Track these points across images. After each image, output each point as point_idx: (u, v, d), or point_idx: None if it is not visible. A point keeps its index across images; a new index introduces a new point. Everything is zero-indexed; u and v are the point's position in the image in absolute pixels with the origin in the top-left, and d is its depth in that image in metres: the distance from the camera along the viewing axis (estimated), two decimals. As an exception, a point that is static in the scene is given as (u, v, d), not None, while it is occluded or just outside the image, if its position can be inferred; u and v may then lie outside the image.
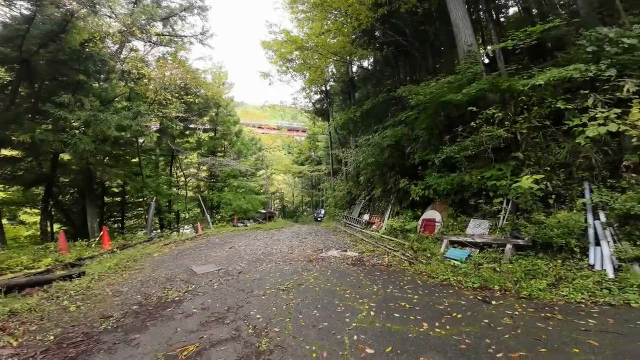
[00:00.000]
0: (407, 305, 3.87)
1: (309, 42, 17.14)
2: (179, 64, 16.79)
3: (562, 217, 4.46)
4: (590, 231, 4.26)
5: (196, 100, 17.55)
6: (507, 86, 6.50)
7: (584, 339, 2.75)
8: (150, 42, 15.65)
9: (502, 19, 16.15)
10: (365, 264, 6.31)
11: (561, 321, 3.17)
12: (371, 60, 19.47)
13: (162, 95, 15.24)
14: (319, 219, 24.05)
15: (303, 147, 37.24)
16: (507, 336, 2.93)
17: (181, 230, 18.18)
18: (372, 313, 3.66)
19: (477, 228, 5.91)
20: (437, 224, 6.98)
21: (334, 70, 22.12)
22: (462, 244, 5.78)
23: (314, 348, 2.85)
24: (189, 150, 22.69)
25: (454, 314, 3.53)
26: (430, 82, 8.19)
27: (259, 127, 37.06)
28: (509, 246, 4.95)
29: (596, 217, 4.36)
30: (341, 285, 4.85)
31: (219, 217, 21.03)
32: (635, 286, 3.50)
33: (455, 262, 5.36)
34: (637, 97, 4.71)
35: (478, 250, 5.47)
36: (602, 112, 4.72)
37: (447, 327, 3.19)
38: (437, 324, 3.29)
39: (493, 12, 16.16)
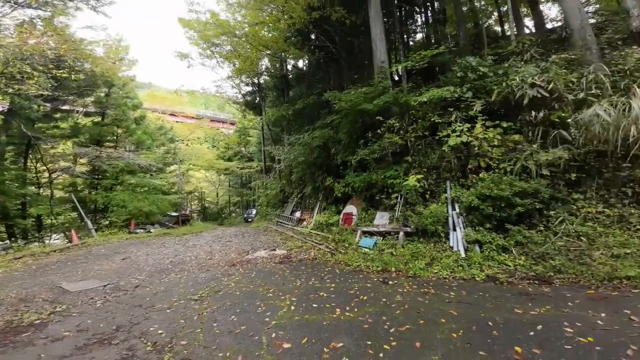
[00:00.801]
0: (325, 295, 4.02)
1: (239, 29, 15.77)
2: (54, 31, 12.51)
3: (433, 208, 5.52)
4: (450, 220, 5.37)
5: (75, 76, 13.00)
6: (404, 101, 7.49)
7: (447, 310, 3.27)
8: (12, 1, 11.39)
9: (411, 43, 18.64)
10: (293, 260, 6.45)
11: (434, 295, 3.77)
12: (306, 61, 19.34)
13: (15, 68, 11.16)
14: (249, 219, 22.21)
15: (231, 141, 32.28)
16: (398, 312, 3.32)
17: (48, 241, 14.30)
18: (292, 308, 3.69)
19: (382, 219, 6.81)
20: (354, 217, 7.70)
21: (269, 65, 20.87)
22: (371, 234, 6.56)
23: (228, 354, 2.72)
24: (59, 138, 17.25)
25: (361, 297, 3.86)
26: (350, 90, 8.79)
27: (172, 115, 30.06)
28: (401, 233, 5.87)
29: (453, 208, 5.52)
30: (265, 285, 4.76)
31: (108, 222, 16.66)
32: (477, 263, 4.38)
33: (366, 250, 5.98)
34: (481, 115, 6.04)
35: (382, 238, 6.29)
36: (460, 126, 6.06)
37: (355, 310, 3.47)
38: (347, 308, 3.53)
39: (404, 36, 18.50)
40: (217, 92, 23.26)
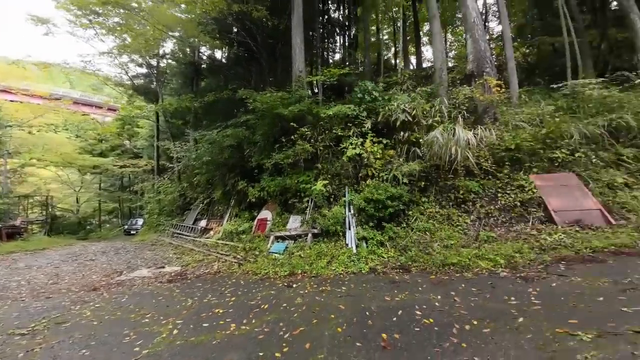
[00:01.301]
0: (221, 311, 3.70)
1: (137, 1, 12.64)
2: None
3: (334, 211, 6.06)
4: (346, 220, 5.99)
5: None
6: (316, 112, 7.91)
7: (338, 305, 3.45)
8: None
9: (331, 61, 19.99)
10: (189, 277, 5.70)
11: (329, 292, 3.94)
12: (225, 54, 17.45)
13: None
14: (132, 231, 18.33)
15: (107, 131, 24.57)
16: (295, 315, 3.30)
17: None
18: (175, 332, 3.22)
19: (294, 223, 6.95)
20: (268, 222, 7.53)
21: (175, 48, 17.71)
22: (283, 238, 6.58)
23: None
24: None
25: (263, 306, 3.70)
26: (266, 92, 8.48)
27: (4, 91, 20.91)
28: (309, 235, 6.14)
29: (349, 210, 6.19)
30: (140, 310, 4.01)
31: None
32: (363, 257, 4.93)
33: (276, 255, 5.86)
34: (371, 132, 7.03)
35: (293, 242, 6.37)
36: (355, 140, 6.89)
37: (253, 322, 3.28)
38: (244, 321, 3.31)
39: (324, 53, 19.69)
40: (86, 68, 17.27)
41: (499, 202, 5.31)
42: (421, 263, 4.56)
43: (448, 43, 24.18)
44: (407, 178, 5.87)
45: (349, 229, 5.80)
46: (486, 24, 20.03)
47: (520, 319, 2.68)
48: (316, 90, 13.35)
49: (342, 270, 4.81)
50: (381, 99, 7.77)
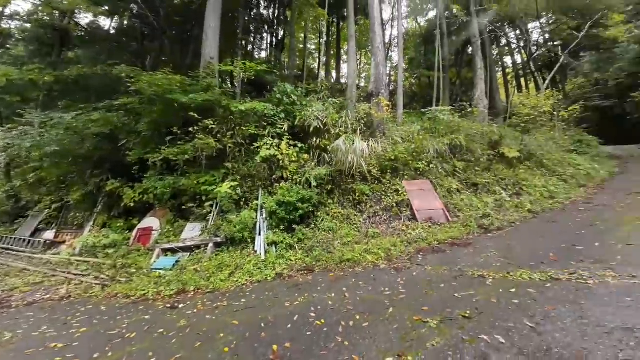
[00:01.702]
0: (60, 345, 2.79)
1: None
2: None
3: (243, 215, 5.48)
4: (257, 224, 5.57)
5: None
6: (226, 104, 6.95)
7: (231, 321, 3.08)
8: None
9: (257, 56, 18.57)
10: (13, 305, 4.10)
11: (225, 307, 3.52)
12: (116, 24, 13.43)
13: None
14: None
15: None
16: (174, 341, 2.81)
17: None
18: None
19: (192, 231, 5.86)
20: (154, 232, 6.01)
21: (30, 8, 12.27)
22: (174, 251, 5.44)
23: None
24: None
25: (128, 335, 2.99)
26: (158, 73, 6.78)
27: None
28: (210, 245, 5.30)
29: (261, 214, 5.80)
30: None
31: None
32: (272, 263, 4.61)
33: (162, 272, 4.77)
34: (287, 134, 6.84)
35: (189, 254, 5.36)
36: (271, 141, 6.52)
37: (110, 354, 2.63)
38: (97, 355, 2.59)
39: (249, 47, 18.14)
40: None
41: (383, 203, 6.18)
42: (324, 262, 4.70)
43: (362, 64, 27.14)
44: (318, 181, 5.99)
45: (259, 234, 5.40)
46: (390, 53, 23.85)
47: (390, 309, 3.04)
48: (236, 85, 12.17)
49: (246, 280, 4.39)
50: (299, 104, 7.73)
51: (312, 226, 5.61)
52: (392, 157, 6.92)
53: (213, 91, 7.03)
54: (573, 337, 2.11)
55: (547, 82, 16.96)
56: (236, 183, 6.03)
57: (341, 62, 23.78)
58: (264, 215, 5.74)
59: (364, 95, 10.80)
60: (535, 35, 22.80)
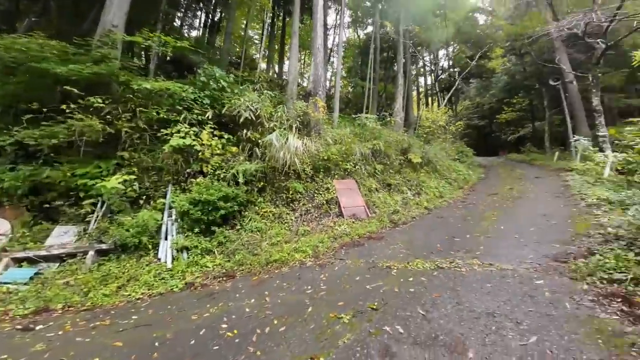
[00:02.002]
0: None
1: None
2: None
3: (142, 216, 4.37)
4: (164, 227, 4.62)
5: None
6: (125, 80, 5.47)
7: (112, 342, 2.55)
8: None
9: (186, 35, 15.51)
10: None
11: (106, 327, 2.88)
12: None
13: None
14: None
15: None
16: None
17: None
18: None
19: (63, 236, 4.29)
20: (0, 237, 4.17)
21: None
22: (34, 260, 3.89)
23: None
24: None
25: None
26: (22, 36, 4.93)
27: None
28: (90, 253, 4.01)
29: (170, 215, 4.84)
30: None
31: None
32: (180, 272, 3.99)
33: (13, 287, 3.45)
34: (212, 123, 5.91)
35: (58, 264, 3.93)
36: (186, 128, 5.44)
37: None
38: None
39: (175, 21, 15.07)
40: None
41: (315, 200, 6.19)
42: (248, 266, 4.32)
43: (306, 65, 26.76)
44: (248, 177, 5.39)
45: (165, 238, 4.45)
46: (331, 58, 24.45)
47: (310, 309, 2.98)
48: (155, 61, 9.87)
49: (142, 293, 3.60)
50: (230, 91, 6.80)
51: (238, 227, 5.07)
52: (326, 157, 7.01)
53: (108, 64, 5.35)
54: (453, 322, 2.37)
55: (445, 101, 20.80)
56: (132, 177, 4.75)
57: (284, 57, 22.91)
58: (174, 216, 4.81)
59: (303, 94, 10.60)
60: (442, 62, 27.82)
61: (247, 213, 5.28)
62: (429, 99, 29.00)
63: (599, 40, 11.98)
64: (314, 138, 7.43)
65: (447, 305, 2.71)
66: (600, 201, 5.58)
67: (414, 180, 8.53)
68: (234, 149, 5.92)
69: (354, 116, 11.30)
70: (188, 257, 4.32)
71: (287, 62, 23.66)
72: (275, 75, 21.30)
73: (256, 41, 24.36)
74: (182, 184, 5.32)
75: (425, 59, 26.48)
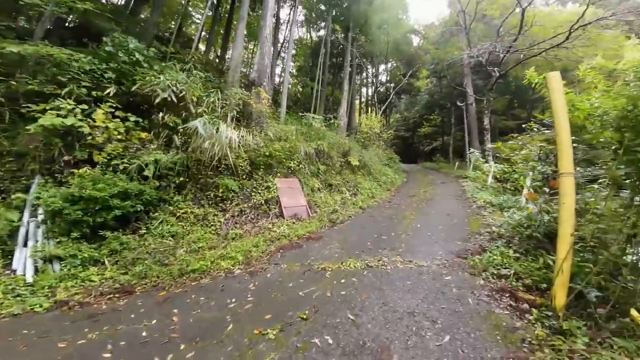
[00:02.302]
0: None
1: None
2: None
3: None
4: (23, 230, 3.31)
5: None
6: None
7: None
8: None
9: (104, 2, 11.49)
10: None
11: None
12: None
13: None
14: None
15: None
16: None
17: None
18: None
19: None
20: None
21: None
22: None
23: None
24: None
25: None
26: None
27: None
28: None
29: (34, 215, 3.49)
30: None
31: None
32: (47, 288, 2.98)
33: None
34: (113, 101, 4.56)
35: None
36: (69, 105, 3.96)
37: None
38: None
39: None
40: None
41: (252, 200, 5.59)
42: (153, 278, 3.48)
43: (253, 54, 24.73)
44: (162, 171, 4.31)
45: (24, 245, 3.11)
46: (282, 53, 23.31)
47: (230, 327, 2.55)
48: (47, 25, 7.10)
49: None
50: (147, 66, 5.41)
51: (143, 232, 4.02)
52: (268, 153, 6.43)
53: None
54: (380, 326, 2.33)
55: (380, 112, 22.82)
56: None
57: (229, 43, 20.57)
58: (40, 217, 3.49)
59: (246, 83, 9.60)
60: (382, 76, 30.52)
61: (157, 214, 4.25)
62: (369, 108, 31.47)
63: (495, 68, 15.18)
64: (254, 131, 6.75)
65: (374, 307, 2.68)
66: (486, 204, 6.96)
67: (352, 181, 8.87)
68: (144, 134, 4.71)
69: (301, 114, 11.01)
70: (61, 269, 3.16)
71: (232, 49, 21.46)
72: (217, 60, 18.95)
73: (197, 20, 21.10)
74: (57, 175, 3.88)
75: (368, 70, 28.54)
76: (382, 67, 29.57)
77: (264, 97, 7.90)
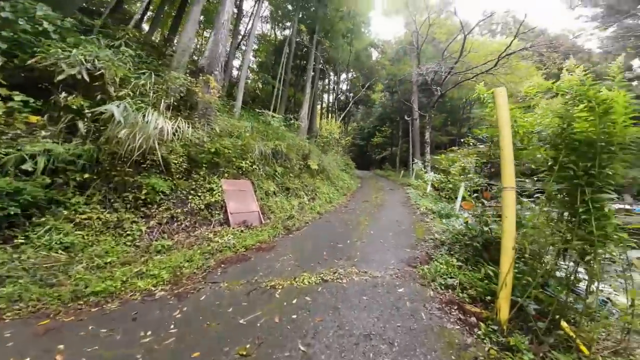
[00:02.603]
0: None
1: None
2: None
3: None
4: None
5: None
6: None
7: None
8: None
9: None
10: None
11: None
12: None
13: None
14: None
15: None
16: None
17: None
18: None
19: None
20: None
21: None
22: None
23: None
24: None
25: None
26: None
27: None
28: None
29: None
30: None
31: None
32: None
33: None
34: None
35: None
36: None
37: None
38: None
39: None
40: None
41: (189, 204, 4.68)
42: (32, 302, 2.51)
43: (206, 42, 22.47)
44: (58, 164, 3.14)
45: None
46: (241, 45, 21.61)
47: None
48: None
49: None
50: (57, 38, 4.12)
51: (20, 241, 2.85)
52: (214, 150, 5.54)
53: None
54: (335, 355, 2.07)
55: (340, 119, 23.45)
56: None
57: (179, 26, 17.99)
58: None
59: (194, 69, 8.37)
60: (343, 84, 31.52)
61: (45, 219, 3.08)
62: (329, 114, 32.17)
63: (437, 88, 17.20)
64: (198, 124, 5.79)
65: (329, 332, 2.34)
66: (427, 210, 7.54)
67: (311, 185, 8.58)
68: (35, 118, 3.40)
69: (259, 111, 10.21)
70: None
71: (181, 32, 18.88)
72: (164, 42, 16.32)
73: (142, -2, 17.82)
74: None
75: (331, 77, 29.15)
76: (343, 76, 30.70)
77: (214, 87, 6.95)
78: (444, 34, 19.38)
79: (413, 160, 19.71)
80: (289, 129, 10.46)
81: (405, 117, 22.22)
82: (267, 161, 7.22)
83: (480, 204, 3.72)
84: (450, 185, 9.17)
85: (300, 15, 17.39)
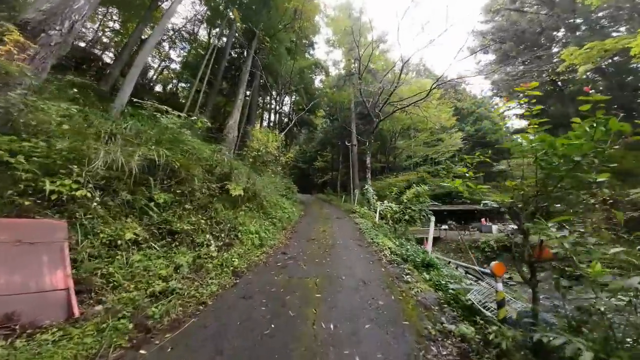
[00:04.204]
0: None
1: None
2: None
3: None
4: None
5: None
6: None
7: None
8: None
9: None
10: None
11: None
12: None
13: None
14: None
15: None
16: None
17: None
18: None
19: None
20: None
21: None
22: None
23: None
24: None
25: None
26: None
27: None
28: None
29: None
30: None
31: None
32: None
33: None
34: None
35: None
36: None
37: None
38: None
39: None
40: None
41: None
42: None
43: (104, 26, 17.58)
44: None
45: None
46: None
47: None
48: None
49: None
50: None
51: None
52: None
53: None
54: None
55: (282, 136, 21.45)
56: None
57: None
58: None
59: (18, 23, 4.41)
60: (285, 106, 29.92)
61: None
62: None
63: (377, 114, 17.57)
64: None
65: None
66: (392, 254, 5.66)
67: (228, 222, 5.45)
68: None
69: (155, 112, 6.52)
70: None
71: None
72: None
73: None
74: None
75: (273, 94, 27.20)
76: (287, 99, 29.44)
77: (13, 41, 3.36)
78: (382, 63, 21.42)
79: (353, 185, 19.01)
80: (201, 137, 7.21)
81: (346, 143, 22.09)
82: (129, 183, 3.82)
83: (529, 274, 1.82)
84: (407, 217, 7.95)
85: (241, 16, 15.12)
